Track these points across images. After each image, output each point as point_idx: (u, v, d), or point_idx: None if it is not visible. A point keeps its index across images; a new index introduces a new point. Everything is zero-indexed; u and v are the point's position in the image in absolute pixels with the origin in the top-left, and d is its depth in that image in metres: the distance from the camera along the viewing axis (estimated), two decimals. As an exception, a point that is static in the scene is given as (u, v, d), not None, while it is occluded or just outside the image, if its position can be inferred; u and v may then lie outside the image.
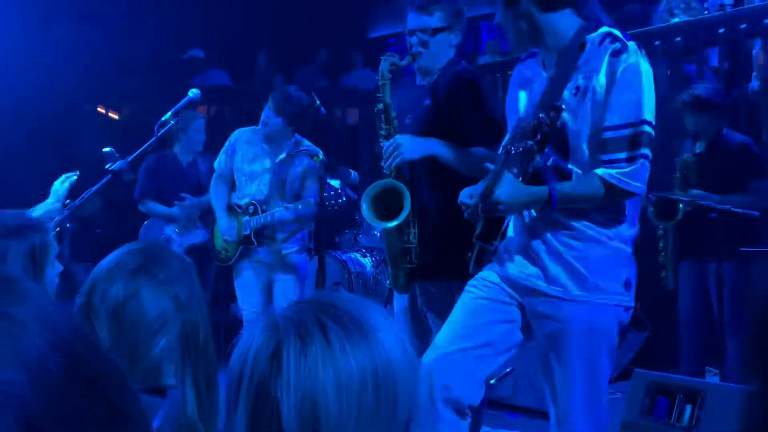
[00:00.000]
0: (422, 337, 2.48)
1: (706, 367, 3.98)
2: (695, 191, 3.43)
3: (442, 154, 2.32)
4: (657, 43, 4.85)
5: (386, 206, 2.38)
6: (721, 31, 4.60)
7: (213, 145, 6.77)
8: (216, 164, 3.87)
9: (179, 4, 7.59)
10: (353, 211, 4.81)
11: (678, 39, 4.79)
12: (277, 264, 3.79)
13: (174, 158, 4.51)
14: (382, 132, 2.41)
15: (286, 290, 3.78)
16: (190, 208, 4.33)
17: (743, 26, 4.53)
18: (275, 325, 0.79)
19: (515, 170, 1.70)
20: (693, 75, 4.75)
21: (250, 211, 3.74)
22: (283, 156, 3.72)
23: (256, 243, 3.73)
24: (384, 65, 2.41)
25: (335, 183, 3.73)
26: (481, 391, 1.96)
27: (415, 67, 2.49)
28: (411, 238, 2.39)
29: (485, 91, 2.42)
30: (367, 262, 4.77)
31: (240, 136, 3.87)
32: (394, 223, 2.33)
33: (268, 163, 3.75)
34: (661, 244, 3.66)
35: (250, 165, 3.78)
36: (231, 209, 3.81)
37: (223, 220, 3.75)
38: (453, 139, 2.34)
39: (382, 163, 2.35)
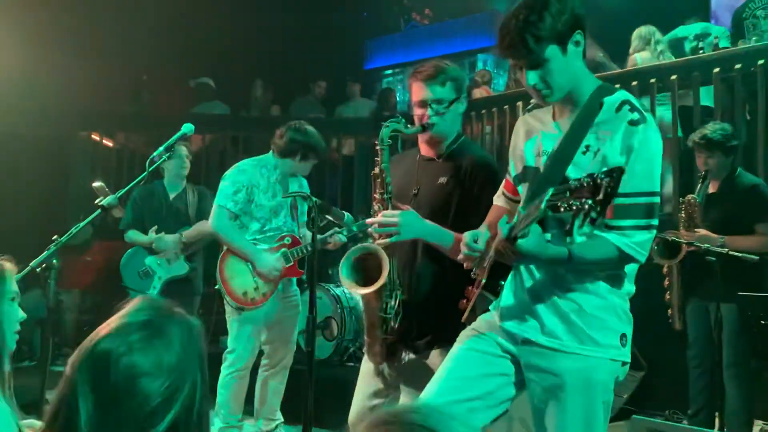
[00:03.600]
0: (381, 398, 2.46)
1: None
2: (702, 231, 3.41)
3: (440, 243, 2.27)
4: (652, 80, 4.89)
5: (367, 270, 2.31)
6: (716, 70, 4.64)
7: (208, 173, 6.79)
8: (231, 204, 3.63)
9: (180, 33, 7.63)
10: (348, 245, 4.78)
11: (673, 77, 4.83)
12: (294, 299, 3.82)
13: (161, 190, 4.44)
14: (377, 195, 2.36)
15: (295, 323, 3.85)
16: (169, 242, 4.26)
17: (738, 66, 4.57)
18: None
19: (561, 224, 1.68)
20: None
21: (287, 243, 3.69)
22: (296, 188, 3.73)
23: (303, 273, 3.73)
24: (385, 131, 2.35)
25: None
26: None
27: (424, 138, 2.42)
28: (389, 309, 2.32)
29: (500, 176, 2.36)
30: (360, 296, 4.71)
31: (253, 170, 3.72)
32: (368, 290, 2.26)
33: (280, 196, 3.73)
34: (666, 283, 3.63)
35: (273, 199, 3.71)
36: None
37: (265, 256, 3.62)
38: (462, 220, 2.28)
39: (374, 230, 2.29)
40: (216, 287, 3.71)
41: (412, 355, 2.38)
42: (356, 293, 2.36)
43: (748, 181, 3.55)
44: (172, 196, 4.42)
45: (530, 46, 1.75)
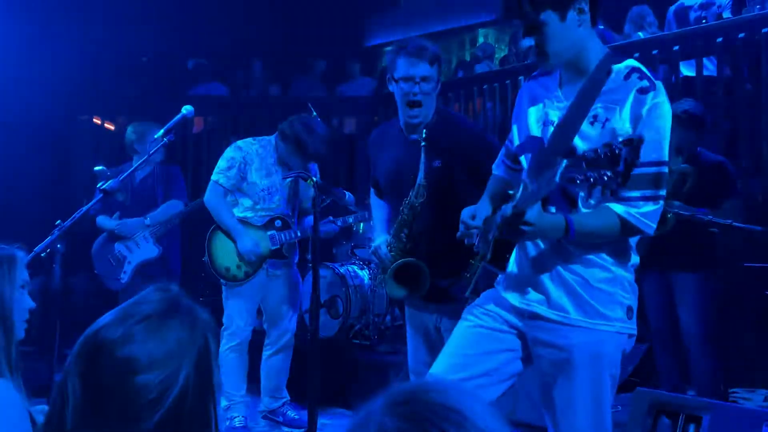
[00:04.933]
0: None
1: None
2: (677, 203, 3.39)
3: None
4: (655, 52, 4.84)
5: (407, 274, 2.43)
6: (719, 40, 4.59)
7: (210, 155, 6.77)
8: (223, 180, 3.71)
9: (178, 14, 7.57)
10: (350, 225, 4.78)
11: (676, 48, 4.78)
12: (287, 278, 3.86)
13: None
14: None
15: (296, 303, 3.92)
16: (131, 227, 4.21)
17: (741, 35, 4.52)
18: None
19: (565, 200, 1.68)
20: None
21: (277, 225, 3.75)
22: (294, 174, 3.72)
23: (287, 258, 3.78)
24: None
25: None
26: None
27: (412, 119, 2.43)
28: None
29: (489, 139, 2.41)
30: (365, 274, 4.72)
31: (249, 148, 3.77)
32: (412, 294, 2.40)
33: (279, 178, 3.76)
34: None
35: (268, 179, 3.75)
36: (244, 224, 3.73)
37: (247, 236, 3.69)
38: (469, 191, 2.32)
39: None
40: (203, 259, 3.79)
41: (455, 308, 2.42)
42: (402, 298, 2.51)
43: (711, 158, 3.56)
44: (139, 178, 4.32)
45: (525, 9, 1.74)
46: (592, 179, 1.47)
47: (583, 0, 1.76)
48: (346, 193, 3.53)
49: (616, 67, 1.79)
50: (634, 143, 1.47)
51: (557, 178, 1.54)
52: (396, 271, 2.41)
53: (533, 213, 1.65)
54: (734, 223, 3.05)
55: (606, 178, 1.46)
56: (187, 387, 0.99)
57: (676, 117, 3.50)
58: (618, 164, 1.45)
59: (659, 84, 1.76)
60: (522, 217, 1.64)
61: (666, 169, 1.75)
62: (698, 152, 3.55)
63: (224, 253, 3.73)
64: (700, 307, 3.43)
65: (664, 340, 3.68)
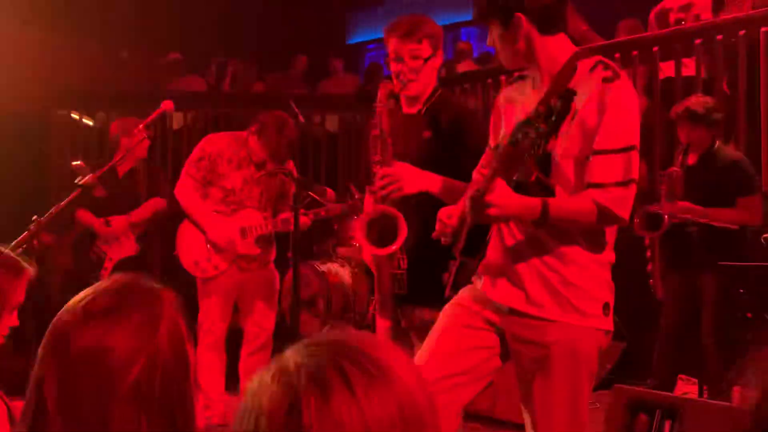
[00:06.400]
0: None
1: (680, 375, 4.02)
2: (684, 203, 3.46)
3: (440, 190, 2.30)
4: (635, 53, 4.89)
5: (380, 232, 2.35)
6: (697, 41, 4.64)
7: (189, 153, 6.72)
8: (194, 171, 3.70)
9: (157, 10, 7.50)
10: (331, 222, 4.78)
11: (656, 49, 4.83)
12: (263, 275, 3.80)
13: (111, 168, 3.97)
14: (378, 158, 2.37)
15: (273, 300, 3.84)
16: (115, 229, 4.15)
17: (720, 37, 4.57)
18: (287, 374, 0.74)
19: (542, 190, 1.73)
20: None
21: (249, 218, 3.70)
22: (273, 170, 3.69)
23: (260, 252, 3.73)
24: (382, 92, 2.41)
25: None
26: (458, 421, 1.94)
27: (404, 95, 2.48)
28: (401, 264, 2.37)
29: (486, 127, 2.42)
30: (345, 272, 4.73)
31: (221, 141, 3.75)
32: (386, 251, 2.31)
33: (250, 172, 3.71)
34: (648, 254, 3.69)
35: (239, 172, 3.71)
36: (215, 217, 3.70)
37: (217, 229, 3.65)
38: (453, 172, 2.32)
39: (374, 191, 2.31)
40: (174, 253, 3.75)
41: (425, 314, 2.39)
42: (374, 254, 2.40)
43: (728, 155, 3.61)
44: (121, 174, 4.25)
45: (480, 13, 1.89)
46: (531, 134, 1.58)
47: (522, 17, 1.81)
48: (327, 189, 3.52)
49: (581, 62, 1.83)
50: (566, 96, 1.56)
51: (508, 141, 1.64)
52: (370, 222, 2.35)
53: (494, 193, 1.68)
54: (711, 223, 3.11)
55: (541, 130, 1.57)
56: (154, 359, 0.99)
57: (679, 115, 3.63)
58: (551, 116, 1.53)
59: (623, 74, 1.81)
60: (483, 197, 1.68)
61: (635, 153, 1.78)
62: (714, 149, 3.61)
63: (194, 246, 3.70)
64: (714, 308, 3.49)
65: (676, 335, 3.74)
